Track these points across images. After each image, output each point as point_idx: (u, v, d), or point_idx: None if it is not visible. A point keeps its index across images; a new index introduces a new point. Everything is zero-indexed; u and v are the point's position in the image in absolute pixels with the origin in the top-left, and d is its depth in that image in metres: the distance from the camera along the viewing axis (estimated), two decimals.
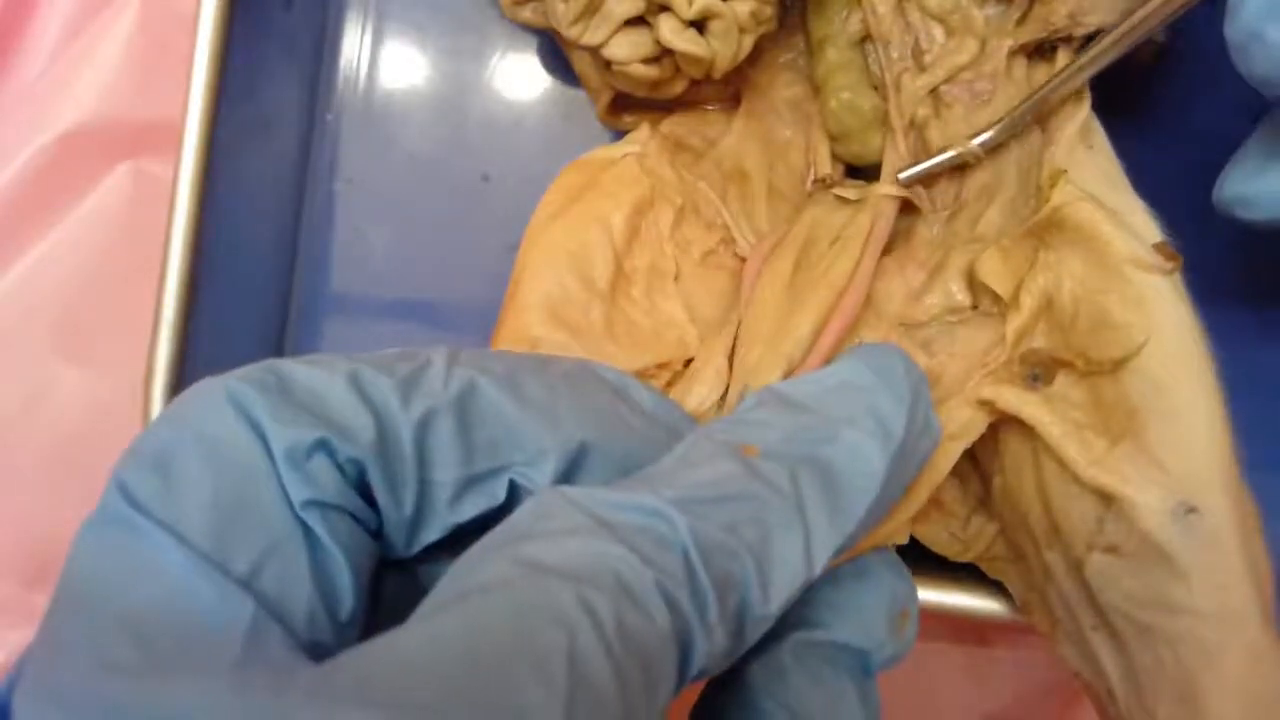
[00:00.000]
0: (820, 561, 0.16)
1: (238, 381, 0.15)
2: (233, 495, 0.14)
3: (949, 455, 0.22)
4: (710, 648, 0.15)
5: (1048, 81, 0.23)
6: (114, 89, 0.32)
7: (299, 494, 0.15)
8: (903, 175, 0.25)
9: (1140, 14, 0.21)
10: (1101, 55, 0.22)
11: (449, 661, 0.12)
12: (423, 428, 0.16)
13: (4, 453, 0.31)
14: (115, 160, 0.32)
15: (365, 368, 0.16)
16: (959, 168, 0.25)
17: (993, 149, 0.24)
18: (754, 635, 0.16)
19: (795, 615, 0.19)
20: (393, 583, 0.17)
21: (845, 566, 0.20)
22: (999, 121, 0.24)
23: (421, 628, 0.13)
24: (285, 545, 0.14)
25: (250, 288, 0.30)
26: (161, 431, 0.15)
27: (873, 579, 0.20)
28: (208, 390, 0.15)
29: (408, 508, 0.16)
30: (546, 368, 0.18)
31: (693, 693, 0.19)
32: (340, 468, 0.15)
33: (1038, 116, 0.24)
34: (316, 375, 0.16)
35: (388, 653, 0.12)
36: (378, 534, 0.16)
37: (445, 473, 0.16)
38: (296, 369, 0.16)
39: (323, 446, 0.15)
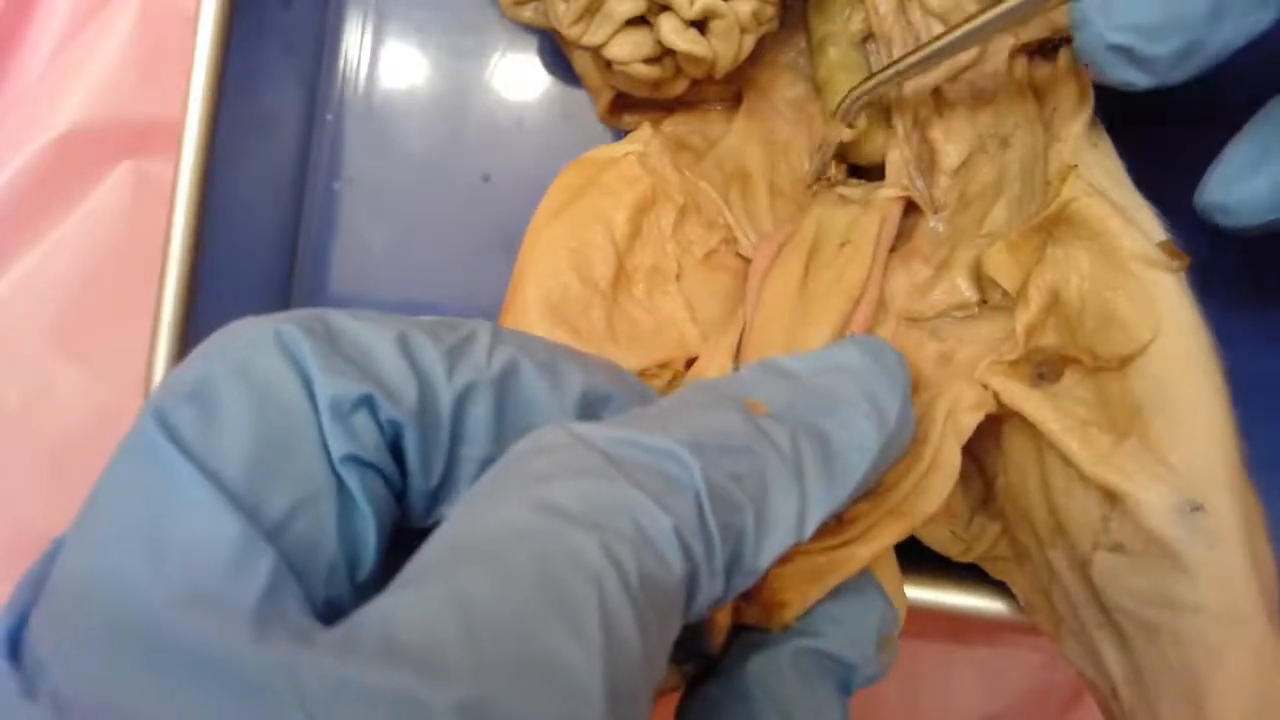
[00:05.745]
0: (811, 527, 0.16)
1: (285, 324, 0.15)
2: (273, 437, 0.14)
3: (969, 426, 0.22)
4: (710, 594, 0.15)
5: (945, 32, 0.22)
6: (114, 89, 0.32)
7: (339, 447, 0.14)
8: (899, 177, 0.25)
9: None
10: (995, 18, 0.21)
11: (478, 619, 0.12)
12: (462, 400, 0.16)
13: (4, 453, 0.31)
14: (115, 160, 0.32)
15: (413, 330, 0.16)
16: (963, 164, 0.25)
17: (1003, 143, 0.25)
18: (739, 587, 0.16)
19: (797, 622, 0.19)
20: (405, 552, 0.17)
21: (847, 582, 0.20)
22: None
23: (445, 582, 0.13)
24: (320, 497, 0.14)
25: (250, 288, 0.30)
26: (201, 365, 0.14)
27: (870, 598, 0.20)
28: (252, 328, 0.15)
29: (435, 477, 0.16)
30: (584, 359, 0.18)
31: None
32: (380, 427, 0.15)
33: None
34: (365, 330, 0.16)
35: (413, 608, 0.12)
36: (399, 499, 0.16)
37: (475, 449, 0.16)
38: (345, 321, 0.16)
39: (367, 403, 0.15)
